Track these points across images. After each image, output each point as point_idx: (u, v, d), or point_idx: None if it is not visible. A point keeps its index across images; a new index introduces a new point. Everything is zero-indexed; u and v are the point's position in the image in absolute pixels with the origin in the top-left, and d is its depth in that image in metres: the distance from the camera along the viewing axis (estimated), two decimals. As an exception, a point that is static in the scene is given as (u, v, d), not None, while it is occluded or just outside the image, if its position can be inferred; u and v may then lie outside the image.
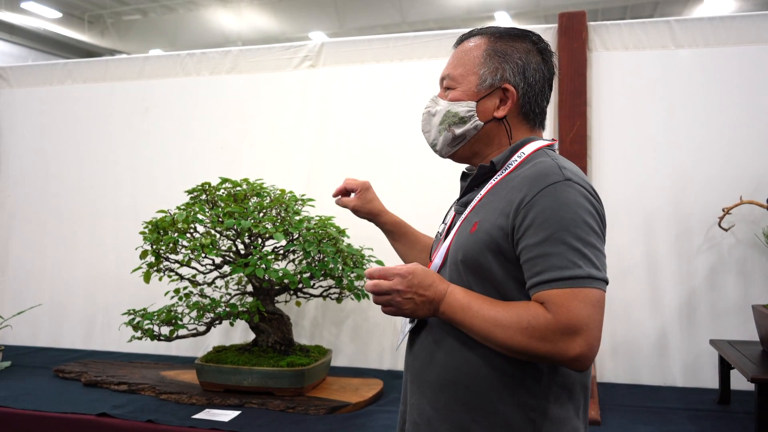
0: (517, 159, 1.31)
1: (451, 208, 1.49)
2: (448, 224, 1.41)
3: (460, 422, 1.24)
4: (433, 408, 1.28)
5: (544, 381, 1.22)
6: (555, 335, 1.10)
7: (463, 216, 1.32)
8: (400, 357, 2.93)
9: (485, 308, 1.18)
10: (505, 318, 1.15)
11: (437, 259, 1.34)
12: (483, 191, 1.32)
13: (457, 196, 1.45)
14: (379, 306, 1.26)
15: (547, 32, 2.81)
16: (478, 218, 1.26)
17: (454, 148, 1.40)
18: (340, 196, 1.69)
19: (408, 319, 1.36)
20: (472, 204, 1.32)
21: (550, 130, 2.79)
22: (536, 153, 1.31)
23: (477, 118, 1.34)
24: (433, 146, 1.43)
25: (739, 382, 2.31)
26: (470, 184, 1.37)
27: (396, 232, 1.67)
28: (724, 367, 2.38)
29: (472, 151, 1.39)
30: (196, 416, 2.25)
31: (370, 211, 1.66)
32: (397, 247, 1.68)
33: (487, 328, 1.16)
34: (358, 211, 1.67)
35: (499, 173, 1.31)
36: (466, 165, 1.47)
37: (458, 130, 1.36)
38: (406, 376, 1.41)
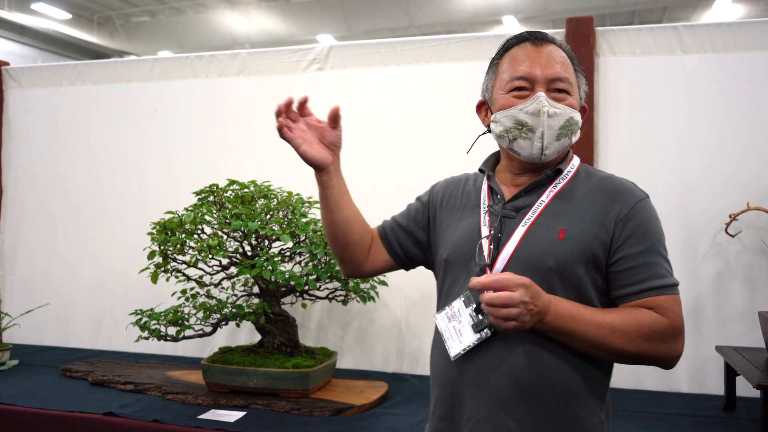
0: (570, 170, 1.37)
1: (467, 208, 1.43)
2: (490, 228, 1.35)
3: (541, 428, 1.23)
4: (513, 419, 1.24)
5: (609, 380, 1.33)
6: (670, 337, 1.23)
7: (530, 221, 1.30)
8: (406, 360, 2.94)
9: (597, 316, 1.22)
10: (624, 324, 1.21)
11: (499, 264, 1.29)
12: (546, 198, 1.32)
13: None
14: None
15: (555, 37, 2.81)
16: (563, 226, 1.27)
17: (557, 155, 1.35)
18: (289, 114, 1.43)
19: (471, 329, 1.28)
20: (537, 209, 1.31)
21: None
22: (583, 166, 1.41)
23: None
24: (543, 149, 1.32)
25: (744, 388, 2.30)
26: (525, 189, 1.37)
27: (338, 196, 1.49)
28: (730, 374, 2.37)
29: (557, 160, 1.39)
30: (202, 416, 2.26)
31: (322, 158, 1.44)
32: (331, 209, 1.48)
33: (602, 335, 1.20)
34: (306, 152, 1.43)
35: (557, 181, 1.35)
36: (480, 167, 1.47)
37: (574, 138, 1.36)
38: (456, 388, 1.32)
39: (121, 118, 3.44)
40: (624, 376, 2.70)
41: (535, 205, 1.32)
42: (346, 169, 3.08)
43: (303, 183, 2.98)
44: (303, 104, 1.31)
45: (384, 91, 3.05)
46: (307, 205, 2.70)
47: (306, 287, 2.53)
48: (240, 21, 15.15)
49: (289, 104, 1.36)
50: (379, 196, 2.67)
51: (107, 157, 3.44)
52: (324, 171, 1.41)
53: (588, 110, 1.43)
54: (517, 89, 1.33)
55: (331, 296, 2.70)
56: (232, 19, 15.11)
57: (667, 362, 1.25)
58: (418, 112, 2.99)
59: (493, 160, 1.49)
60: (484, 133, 1.49)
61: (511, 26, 14.17)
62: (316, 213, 2.71)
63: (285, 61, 3.19)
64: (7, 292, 3.56)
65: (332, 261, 2.51)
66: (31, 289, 3.51)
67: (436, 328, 1.39)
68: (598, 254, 1.25)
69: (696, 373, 2.64)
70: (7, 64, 3.69)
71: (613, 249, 1.26)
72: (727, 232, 2.55)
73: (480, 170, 1.49)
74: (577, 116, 1.34)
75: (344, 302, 2.70)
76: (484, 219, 1.36)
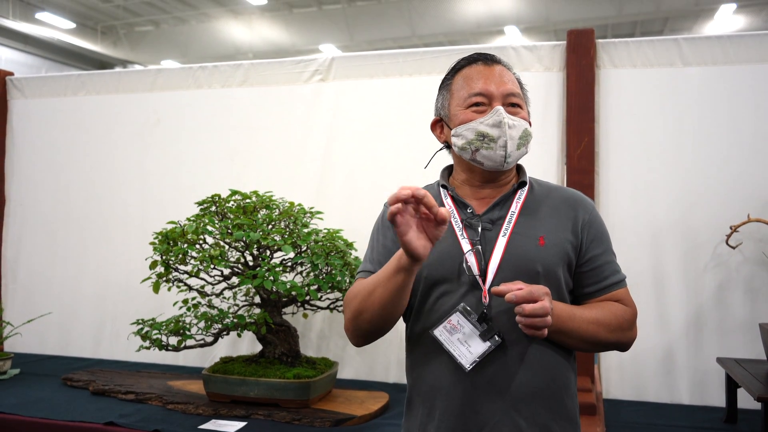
0: (527, 181, 1.49)
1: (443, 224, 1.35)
2: (470, 240, 1.38)
3: (545, 424, 1.34)
4: (524, 418, 1.33)
5: (575, 372, 1.47)
6: (633, 324, 1.43)
7: (508, 231, 1.39)
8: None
9: (586, 313, 1.36)
10: (606, 318, 1.37)
11: (489, 274, 1.35)
12: (515, 208, 1.43)
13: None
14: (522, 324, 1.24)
15: (556, 49, 2.83)
16: (540, 233, 1.39)
17: (516, 162, 1.47)
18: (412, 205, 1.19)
19: (480, 338, 1.31)
20: (512, 220, 1.40)
21: (557, 147, 2.81)
22: (531, 178, 1.52)
23: None
24: (505, 158, 1.39)
25: (746, 401, 2.30)
26: (497, 201, 1.44)
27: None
28: (731, 386, 2.37)
29: (512, 172, 1.51)
30: (203, 426, 2.26)
31: (423, 252, 1.22)
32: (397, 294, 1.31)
33: (592, 330, 1.35)
34: (411, 242, 1.20)
35: (519, 193, 1.45)
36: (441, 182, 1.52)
37: (527, 149, 1.46)
38: (466, 398, 1.33)
39: (124, 128, 3.45)
40: (625, 388, 2.70)
41: (509, 216, 1.41)
42: (348, 179, 3.11)
43: (305, 193, 3.01)
44: (420, 200, 1.16)
45: (386, 102, 3.06)
46: (308, 215, 2.71)
47: (307, 297, 2.53)
48: (243, 31, 15.23)
49: (411, 197, 1.17)
50: (382, 207, 2.67)
51: (110, 166, 3.46)
52: (418, 262, 1.24)
53: (531, 125, 1.51)
54: (476, 105, 1.42)
55: (332, 306, 2.70)
56: (235, 29, 15.19)
57: (628, 345, 1.44)
58: (420, 123, 2.99)
59: (447, 175, 1.56)
60: (440, 150, 1.58)
61: (513, 36, 14.22)
62: (317, 223, 2.72)
63: (287, 72, 3.21)
64: (9, 300, 3.57)
65: (333, 271, 2.51)
66: (33, 298, 3.52)
67: (418, 343, 1.42)
68: (571, 257, 1.41)
69: (697, 384, 2.63)
70: (11, 74, 3.72)
71: (582, 251, 1.42)
72: (728, 243, 2.56)
73: (442, 185, 1.50)
74: (530, 129, 1.47)
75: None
76: (461, 233, 1.40)
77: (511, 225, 1.40)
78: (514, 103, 1.43)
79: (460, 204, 1.45)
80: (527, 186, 1.47)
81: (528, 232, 1.39)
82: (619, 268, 1.46)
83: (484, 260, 1.36)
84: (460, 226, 1.42)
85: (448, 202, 1.47)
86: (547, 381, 1.35)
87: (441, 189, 1.51)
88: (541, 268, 1.35)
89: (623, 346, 1.43)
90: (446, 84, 1.52)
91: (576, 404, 1.42)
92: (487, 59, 1.47)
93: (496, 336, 1.32)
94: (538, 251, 1.36)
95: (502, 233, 1.39)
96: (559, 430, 1.35)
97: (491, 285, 1.33)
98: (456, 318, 1.34)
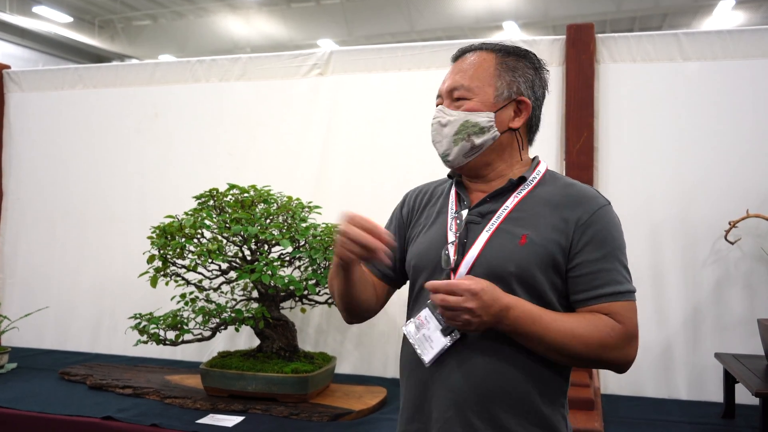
0: (536, 176, 1.42)
1: (435, 214, 1.47)
2: (456, 233, 1.38)
3: (508, 428, 1.28)
4: (480, 418, 1.28)
5: (568, 382, 1.37)
6: (624, 343, 1.26)
7: (494, 227, 1.34)
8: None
9: (558, 321, 1.25)
10: (582, 330, 1.24)
11: (462, 269, 1.32)
12: (510, 204, 1.36)
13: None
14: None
15: (555, 44, 2.82)
16: (525, 231, 1.31)
17: (468, 158, 1.41)
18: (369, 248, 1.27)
19: (441, 333, 1.32)
20: (501, 216, 1.35)
21: (556, 142, 2.80)
22: (549, 172, 1.45)
23: (495, 129, 1.39)
24: (444, 156, 1.42)
25: (744, 396, 2.30)
26: (490, 195, 1.41)
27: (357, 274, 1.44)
28: (729, 381, 2.37)
29: (485, 161, 1.42)
30: (200, 421, 2.26)
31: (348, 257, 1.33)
32: (348, 286, 1.43)
33: (562, 340, 1.23)
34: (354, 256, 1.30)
35: (521, 188, 1.39)
36: (458, 174, 1.50)
37: (478, 140, 1.39)
38: (424, 391, 1.35)
39: (122, 122, 3.44)
40: (622, 383, 2.70)
41: (499, 211, 1.36)
42: (346, 175, 3.10)
43: (303, 188, 3.00)
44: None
45: (385, 97, 3.05)
46: (306, 209, 2.70)
47: (305, 292, 2.53)
48: (241, 25, 15.19)
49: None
50: (380, 202, 2.66)
51: (108, 160, 3.45)
52: (348, 265, 1.38)
53: (527, 104, 1.41)
54: (438, 106, 1.46)
55: (330, 301, 2.70)
56: (233, 23, 15.15)
57: (621, 367, 1.28)
58: (418, 117, 2.99)
59: None
60: None
61: (512, 32, 14.20)
62: (315, 218, 2.71)
63: (286, 66, 3.20)
64: (7, 295, 3.56)
65: (331, 266, 2.51)
66: (31, 292, 3.51)
67: (404, 335, 1.42)
68: (558, 258, 1.29)
69: (695, 380, 2.64)
70: (8, 67, 3.70)
71: (572, 254, 1.29)
72: (726, 239, 2.56)
73: (449, 176, 1.53)
74: (478, 118, 1.38)
75: (343, 307, 2.69)
76: (451, 225, 1.40)
77: (499, 221, 1.35)
78: (457, 97, 1.40)
79: (460, 196, 1.45)
80: (536, 180, 1.40)
81: (514, 230, 1.32)
82: (622, 279, 1.30)
83: (461, 254, 1.34)
84: (452, 216, 1.42)
85: (452, 193, 1.47)
86: (515, 384, 1.28)
87: (449, 180, 1.53)
88: (515, 267, 1.28)
89: (613, 366, 1.28)
90: None
91: (560, 415, 1.33)
92: (459, 54, 1.47)
93: (456, 331, 1.30)
94: (516, 250, 1.29)
95: (486, 228, 1.35)
96: None
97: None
98: (425, 313, 1.36)
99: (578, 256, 1.29)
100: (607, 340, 1.24)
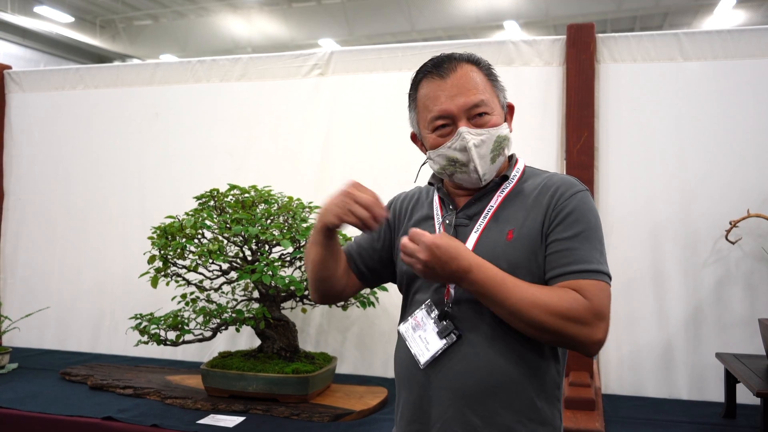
0: (516, 173, 1.42)
1: (423, 220, 1.46)
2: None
3: (506, 424, 1.28)
4: (479, 416, 1.28)
5: (562, 376, 1.37)
6: (589, 319, 1.22)
7: (481, 227, 1.34)
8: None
9: (521, 286, 1.24)
10: (545, 298, 1.22)
11: None
12: (494, 203, 1.37)
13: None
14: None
15: (556, 43, 2.82)
16: (510, 226, 1.32)
17: (496, 172, 1.40)
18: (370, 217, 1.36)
19: (437, 335, 1.32)
20: (487, 215, 1.36)
21: (556, 141, 2.80)
22: (528, 167, 1.46)
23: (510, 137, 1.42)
24: (481, 176, 1.36)
25: (745, 396, 2.30)
26: (475, 197, 1.41)
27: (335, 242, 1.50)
28: (730, 381, 2.37)
29: (502, 169, 1.44)
30: (201, 421, 2.26)
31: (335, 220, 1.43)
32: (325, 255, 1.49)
33: (522, 306, 1.22)
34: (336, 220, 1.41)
35: (504, 186, 1.40)
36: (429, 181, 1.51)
37: (507, 152, 1.41)
38: (422, 391, 1.35)
39: (123, 122, 3.44)
40: (624, 383, 2.70)
41: (485, 211, 1.37)
42: (347, 174, 3.09)
43: (303, 188, 3.00)
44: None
45: (385, 97, 3.05)
46: (307, 210, 2.70)
47: (306, 292, 2.53)
48: (242, 25, 15.20)
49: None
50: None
51: (108, 161, 3.45)
52: (332, 230, 1.45)
53: (513, 108, 1.45)
54: (440, 127, 1.37)
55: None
56: (234, 23, 15.16)
57: (587, 346, 1.24)
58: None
59: None
60: (424, 163, 1.50)
61: (513, 31, 14.19)
62: (316, 218, 2.71)
63: (286, 66, 3.20)
64: (8, 295, 3.56)
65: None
66: (32, 293, 3.51)
67: (399, 335, 1.43)
68: (538, 241, 1.31)
69: (696, 380, 2.63)
70: (9, 67, 3.70)
71: (545, 234, 1.31)
72: (727, 239, 2.55)
73: (429, 183, 1.52)
74: (504, 130, 1.38)
75: (344, 307, 2.70)
76: (439, 230, 1.41)
77: (486, 220, 1.35)
78: (480, 113, 1.34)
79: (444, 201, 1.45)
80: (516, 177, 1.41)
81: (500, 227, 1.33)
82: (593, 259, 1.27)
83: None
84: (440, 222, 1.42)
85: (435, 199, 1.47)
86: (512, 381, 1.29)
87: (429, 186, 1.52)
88: (506, 265, 1.27)
89: (579, 343, 1.24)
90: (412, 99, 1.47)
91: (555, 408, 1.35)
92: (441, 68, 1.37)
93: (452, 333, 1.31)
94: (505, 247, 1.30)
95: (474, 229, 1.35)
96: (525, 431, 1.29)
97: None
98: (420, 314, 1.37)
99: (551, 235, 1.30)
100: (570, 312, 1.21)
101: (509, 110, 1.44)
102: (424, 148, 1.47)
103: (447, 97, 1.35)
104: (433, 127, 1.38)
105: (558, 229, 1.29)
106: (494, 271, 1.24)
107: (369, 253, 1.56)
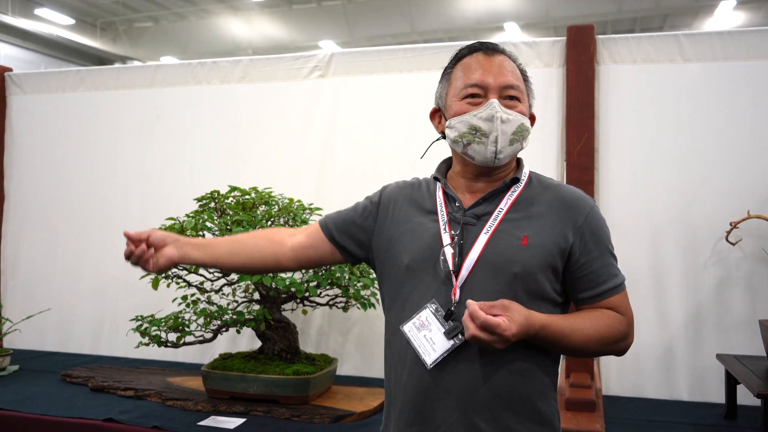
0: (523, 177, 1.43)
1: (424, 214, 1.44)
2: (451, 235, 1.37)
3: (510, 427, 1.30)
4: (484, 420, 1.29)
5: (558, 374, 1.43)
6: (628, 331, 1.36)
7: (492, 228, 1.34)
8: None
9: (578, 330, 1.31)
10: (597, 333, 1.32)
11: (464, 271, 1.32)
12: (504, 205, 1.37)
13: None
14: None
15: (556, 45, 2.82)
16: (525, 233, 1.33)
17: (509, 159, 1.41)
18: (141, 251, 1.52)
19: (444, 336, 1.31)
20: (498, 216, 1.36)
21: (557, 143, 2.80)
22: (533, 173, 1.47)
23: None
24: (495, 152, 1.36)
25: (745, 397, 2.30)
26: (484, 196, 1.40)
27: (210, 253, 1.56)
28: (731, 382, 2.37)
29: (509, 167, 1.44)
30: (202, 423, 2.26)
31: (185, 256, 1.53)
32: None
33: (581, 347, 1.32)
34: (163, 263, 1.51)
35: (513, 189, 1.40)
36: (433, 176, 1.50)
37: (525, 144, 1.42)
38: (425, 393, 1.33)
39: (123, 124, 3.45)
40: (624, 384, 2.70)
41: (495, 212, 1.37)
42: (348, 175, 3.10)
43: (304, 190, 3.01)
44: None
45: (385, 99, 3.06)
46: (308, 211, 2.71)
47: (306, 294, 2.53)
48: (242, 27, 15.20)
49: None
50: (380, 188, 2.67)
51: (109, 163, 3.45)
52: (183, 259, 1.53)
53: (535, 119, 1.47)
54: (471, 96, 1.38)
55: (331, 303, 2.70)
56: (234, 25, 15.16)
57: (623, 352, 1.38)
58: (419, 119, 2.98)
59: (445, 167, 1.52)
60: (437, 140, 1.53)
61: (513, 33, 14.20)
62: (316, 219, 2.71)
63: (287, 68, 3.20)
64: (9, 297, 3.57)
65: (332, 268, 2.51)
66: (32, 295, 3.51)
67: (389, 333, 1.42)
68: (557, 261, 1.33)
69: (697, 381, 2.63)
70: (10, 69, 3.71)
71: (575, 256, 1.34)
72: (727, 240, 2.55)
73: (434, 177, 1.51)
74: (527, 123, 1.40)
75: (345, 309, 2.70)
76: (444, 226, 1.39)
77: (497, 222, 1.35)
78: (512, 96, 1.37)
79: (449, 197, 1.43)
80: (524, 182, 1.41)
81: (513, 231, 1.33)
82: (617, 270, 1.37)
83: (460, 256, 1.33)
84: (445, 219, 1.40)
85: (438, 194, 1.46)
86: (515, 384, 1.30)
87: (434, 181, 1.50)
88: (519, 269, 1.29)
89: (616, 353, 1.39)
90: (447, 73, 1.48)
91: (554, 409, 1.37)
92: (489, 48, 1.41)
93: (460, 335, 1.29)
94: (519, 252, 1.30)
95: (485, 230, 1.34)
96: None
97: (464, 282, 1.32)
98: (425, 314, 1.35)
99: (582, 257, 1.34)
100: (617, 335, 1.34)
101: (531, 119, 1.45)
102: (440, 125, 1.48)
103: (487, 70, 1.38)
104: (464, 94, 1.39)
105: (587, 249, 1.35)
106: (559, 321, 1.29)
107: (350, 228, 1.56)
